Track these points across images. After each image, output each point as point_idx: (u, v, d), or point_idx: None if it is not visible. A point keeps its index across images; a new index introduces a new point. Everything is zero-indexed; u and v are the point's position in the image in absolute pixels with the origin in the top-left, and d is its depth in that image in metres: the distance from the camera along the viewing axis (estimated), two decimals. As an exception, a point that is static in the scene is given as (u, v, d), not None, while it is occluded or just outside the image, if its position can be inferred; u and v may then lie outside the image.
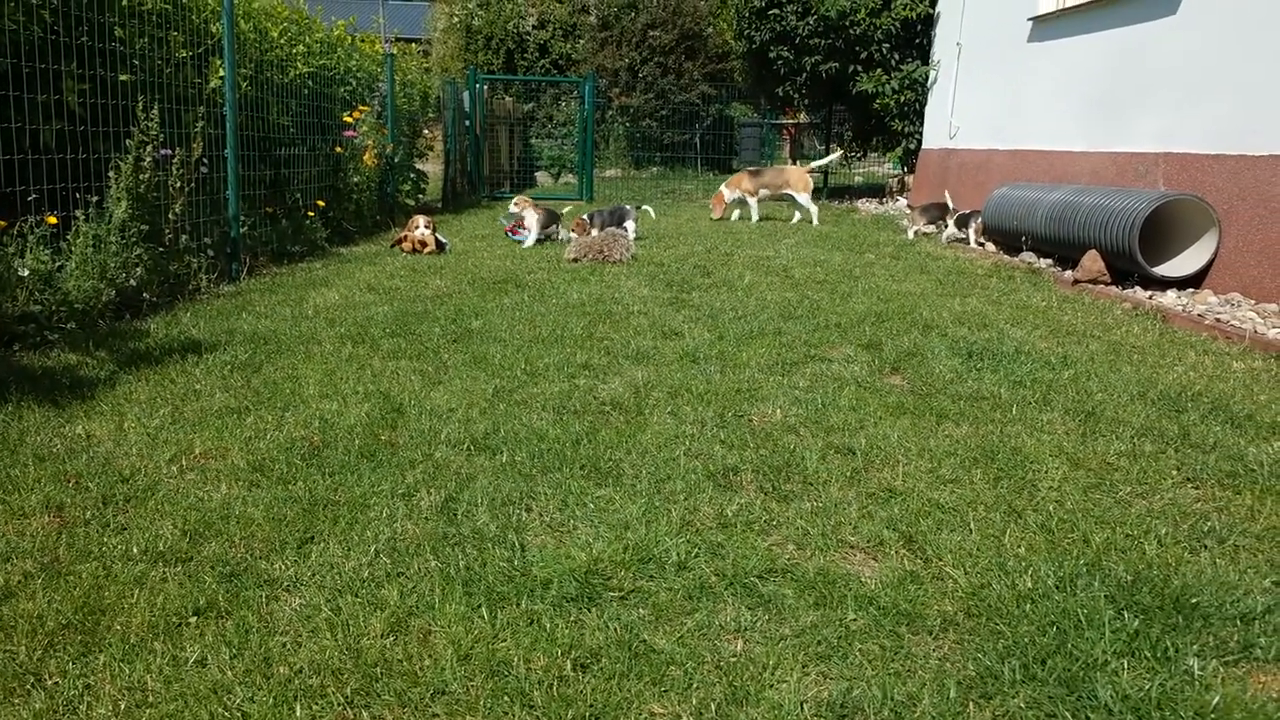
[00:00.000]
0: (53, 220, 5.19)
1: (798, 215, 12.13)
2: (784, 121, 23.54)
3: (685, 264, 8.06)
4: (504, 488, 3.14)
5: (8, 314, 4.72)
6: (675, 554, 2.64)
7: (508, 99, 19.05)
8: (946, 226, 10.27)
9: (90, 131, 5.77)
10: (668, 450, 3.50)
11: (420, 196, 12.94)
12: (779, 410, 3.98)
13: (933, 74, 13.10)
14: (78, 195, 5.53)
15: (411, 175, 12.53)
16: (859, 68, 13.82)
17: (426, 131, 14.22)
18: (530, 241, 9.44)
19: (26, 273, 4.89)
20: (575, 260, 8.13)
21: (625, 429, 3.75)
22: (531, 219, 9.58)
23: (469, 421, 3.82)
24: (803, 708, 1.94)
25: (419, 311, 5.96)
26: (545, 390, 4.28)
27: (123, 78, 6.04)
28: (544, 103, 22.40)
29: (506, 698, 1.97)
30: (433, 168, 15.00)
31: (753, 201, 12.32)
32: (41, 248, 5.03)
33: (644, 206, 11.02)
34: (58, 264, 5.19)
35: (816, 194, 15.87)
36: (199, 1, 7.02)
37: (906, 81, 13.41)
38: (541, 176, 20.44)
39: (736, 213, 12.52)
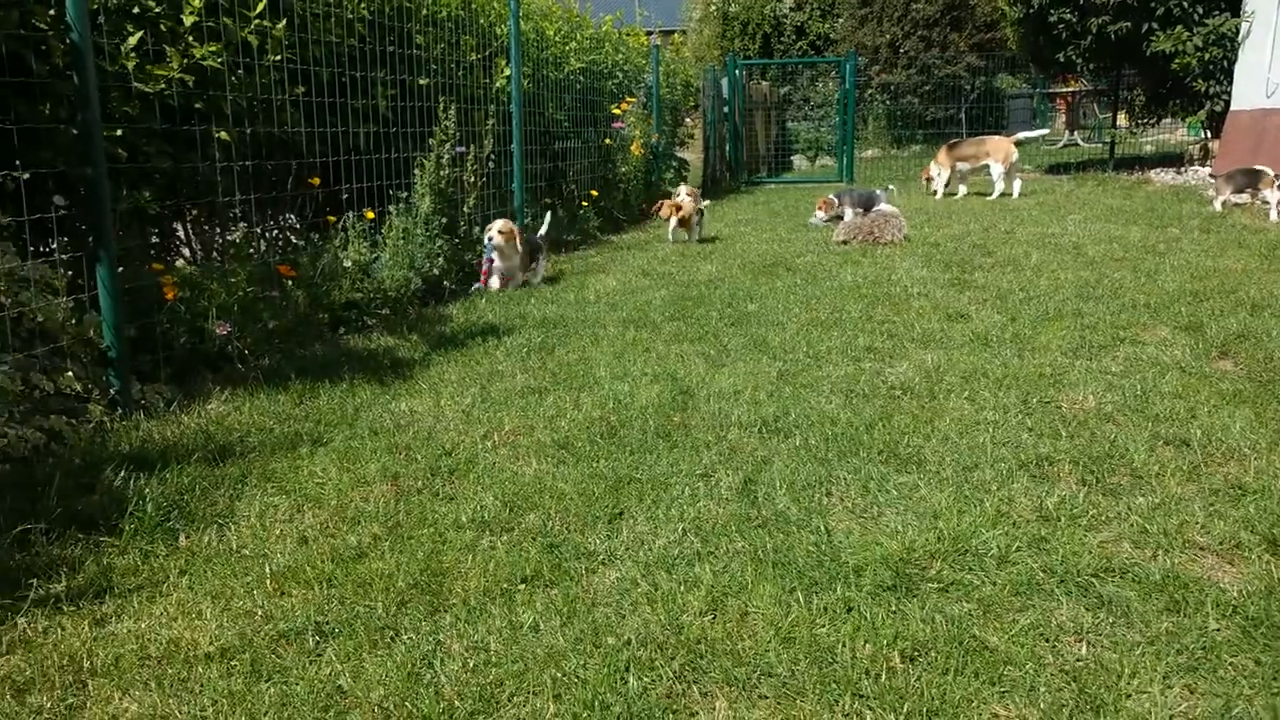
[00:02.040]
0: (371, 215, 5.69)
1: (1009, 188, 11.61)
2: (1058, 90, 21.90)
3: (962, 243, 7.67)
4: (801, 471, 3.09)
5: (335, 301, 5.23)
6: (994, 546, 2.49)
7: (764, 83, 18.95)
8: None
9: (397, 132, 6.28)
10: (970, 437, 3.33)
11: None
12: (1091, 396, 3.67)
13: (1245, 26, 11.69)
14: (389, 192, 6.04)
15: (673, 163, 12.76)
16: (1154, 25, 12.58)
17: (688, 120, 14.41)
18: (494, 284, 6.53)
19: (350, 263, 5.40)
20: (844, 242, 7.95)
21: (920, 414, 3.60)
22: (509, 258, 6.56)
23: (757, 404, 3.81)
24: (1170, 722, 1.77)
25: (694, 296, 6.03)
26: (830, 373, 4.20)
27: (422, 81, 6.52)
28: (800, 85, 22.11)
29: (835, 685, 1.93)
30: (692, 155, 15.20)
31: (945, 174, 12.05)
32: (360, 241, 5.54)
33: (889, 186, 10.45)
34: (374, 255, 5.69)
35: (1102, 166, 14.68)
36: (486, 6, 7.45)
37: (1212, 37, 12.05)
38: (798, 160, 20.20)
39: (962, 189, 12.08)
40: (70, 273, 3.84)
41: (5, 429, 3.19)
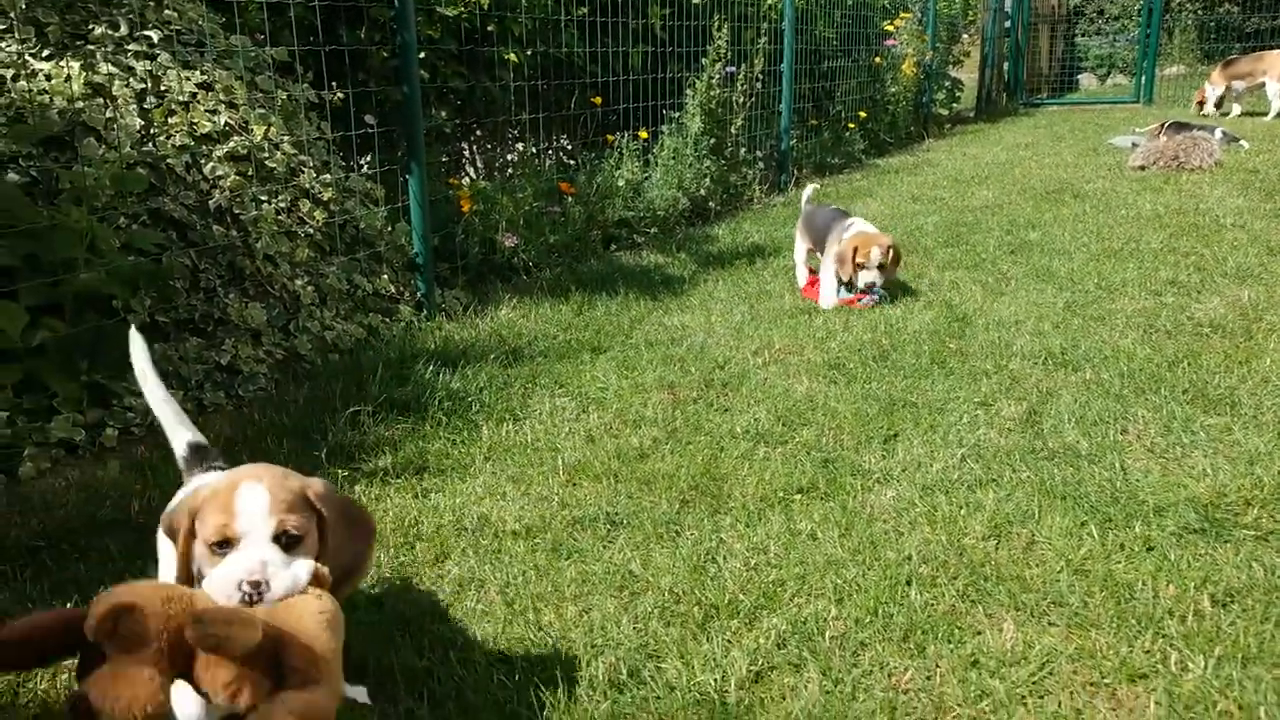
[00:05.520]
0: (644, 135, 5.82)
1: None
2: None
3: (1287, 170, 6.80)
4: (1092, 406, 2.92)
5: (609, 219, 5.43)
6: (1324, 498, 2.26)
7: (1052, -6, 17.42)
8: None
9: (669, 52, 6.34)
10: (1295, 381, 3.01)
11: (954, 106, 12.46)
12: None
13: None
14: (661, 112, 6.14)
15: (946, 84, 12.09)
16: None
17: (964, 37, 13.55)
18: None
19: (622, 182, 5.57)
20: (1142, 168, 7.26)
21: (1234, 354, 3.29)
22: None
23: (1041, 335, 3.62)
24: None
25: (969, 222, 5.76)
26: (1125, 307, 3.91)
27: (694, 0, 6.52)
28: (1094, -5, 20.11)
29: (1134, 621, 1.85)
30: (965, 75, 14.31)
31: (1218, 93, 11.07)
32: (632, 160, 5.69)
33: (1241, 140, 8.80)
34: (645, 175, 5.83)
35: None
36: (761, -80, 7.30)
37: None
38: (1085, 79, 18.53)
39: (1236, 108, 11.09)
40: (383, 188, 4.22)
41: (334, 323, 3.59)
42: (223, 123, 3.34)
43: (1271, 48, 12.08)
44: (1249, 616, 1.84)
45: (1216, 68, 11.32)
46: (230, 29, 3.55)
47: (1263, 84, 10.66)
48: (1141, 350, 3.38)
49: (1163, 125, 8.52)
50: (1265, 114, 10.66)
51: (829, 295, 4.19)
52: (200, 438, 1.78)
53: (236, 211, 3.32)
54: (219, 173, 3.29)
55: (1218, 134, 8.01)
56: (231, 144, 3.34)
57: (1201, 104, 11.37)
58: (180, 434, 1.77)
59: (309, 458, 2.70)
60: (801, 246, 4.62)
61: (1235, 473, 2.43)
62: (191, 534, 1.37)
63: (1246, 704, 1.61)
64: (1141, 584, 1.97)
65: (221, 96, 3.39)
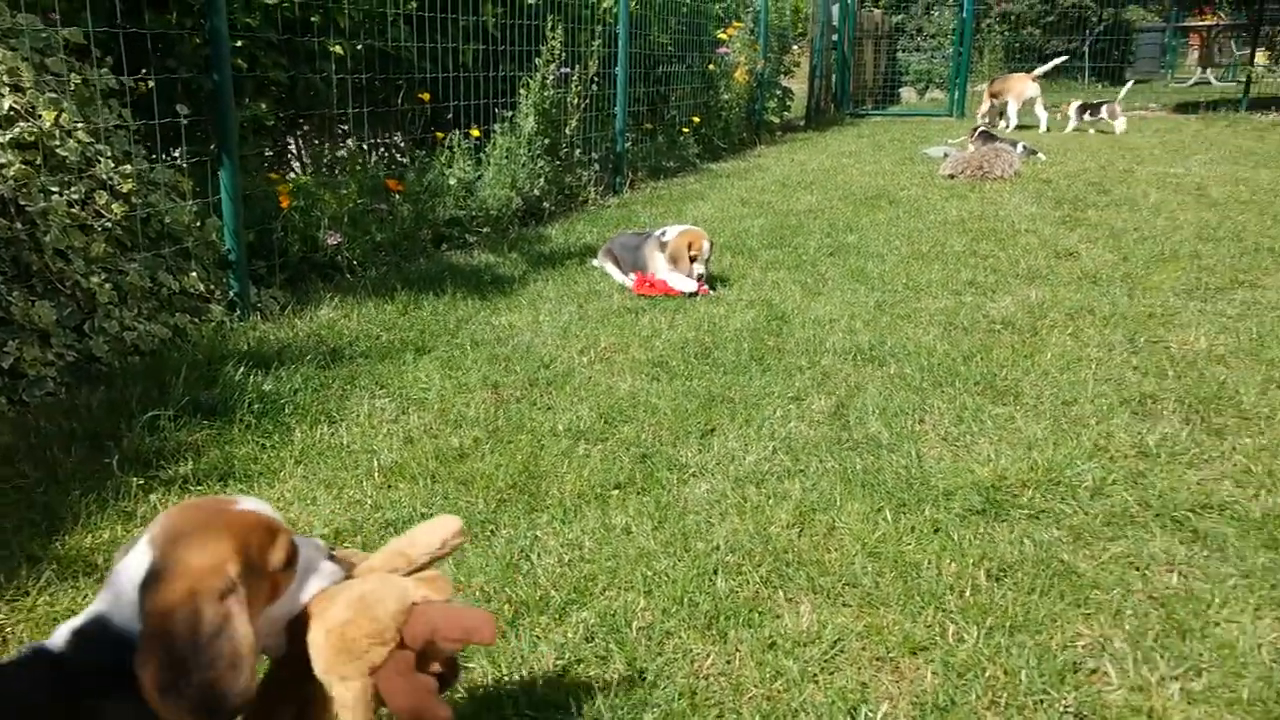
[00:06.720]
0: (476, 133, 5.77)
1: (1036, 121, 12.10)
2: (1193, 25, 20.61)
3: (1077, 181, 7.38)
4: (895, 398, 3.10)
5: (439, 217, 5.35)
6: (1089, 478, 2.48)
7: (875, 11, 18.30)
8: None
9: (503, 51, 6.30)
10: (1071, 372, 3.27)
11: (785, 114, 12.90)
12: (1203, 338, 3.56)
13: None
14: (494, 111, 6.10)
15: (777, 92, 12.51)
16: (1305, -48, 11.69)
17: (795, 48, 14.06)
18: None
19: (454, 181, 5.50)
20: (951, 176, 7.73)
21: (1020, 348, 3.55)
22: None
23: (853, 332, 3.80)
24: (1260, 650, 1.76)
25: (793, 225, 5.98)
26: (929, 305, 4.15)
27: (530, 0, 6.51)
28: (914, 14, 21.28)
29: (918, 598, 1.97)
30: (796, 85, 14.84)
31: (985, 108, 12.59)
32: (465, 159, 5.63)
33: (1038, 153, 9.48)
34: (477, 174, 5.78)
35: (1234, 105, 13.88)
36: (596, -76, 7.36)
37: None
38: (906, 93, 19.55)
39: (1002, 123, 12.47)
40: (192, 180, 4.01)
41: (135, 323, 3.39)
42: (6, 107, 3.10)
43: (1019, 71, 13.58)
44: (1018, 588, 1.99)
45: (985, 87, 12.68)
46: (15, 5, 3.30)
47: (1008, 103, 12.14)
48: (941, 346, 3.60)
49: (974, 131, 9.13)
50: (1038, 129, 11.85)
51: (683, 281, 4.44)
52: None
53: (22, 203, 3.08)
54: (2, 161, 3.05)
55: (1019, 147, 8.62)
56: (17, 130, 3.11)
57: (982, 116, 12.73)
58: None
59: (98, 465, 2.54)
60: (611, 266, 4.79)
61: (1015, 457, 2.62)
62: None
63: (1011, 669, 1.74)
64: (928, 563, 2.10)
65: (5, 78, 3.15)
